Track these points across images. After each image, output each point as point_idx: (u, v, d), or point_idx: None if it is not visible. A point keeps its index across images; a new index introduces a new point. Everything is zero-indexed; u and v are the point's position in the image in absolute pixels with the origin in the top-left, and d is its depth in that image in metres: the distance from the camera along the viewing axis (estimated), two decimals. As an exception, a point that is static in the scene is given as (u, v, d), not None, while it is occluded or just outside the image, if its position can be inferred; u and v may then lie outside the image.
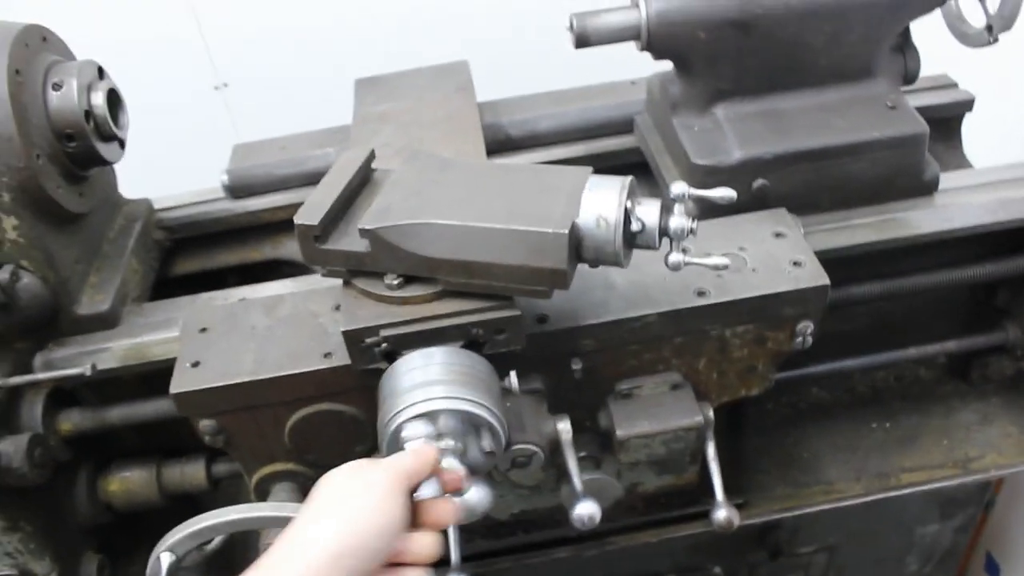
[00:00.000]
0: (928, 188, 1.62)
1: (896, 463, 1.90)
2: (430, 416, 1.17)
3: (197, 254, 1.92)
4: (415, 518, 1.03)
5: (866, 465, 1.90)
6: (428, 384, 1.19)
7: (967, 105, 1.94)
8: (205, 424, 1.39)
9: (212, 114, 2.81)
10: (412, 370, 1.23)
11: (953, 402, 1.98)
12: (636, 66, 1.71)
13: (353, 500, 0.96)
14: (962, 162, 1.96)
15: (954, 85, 1.96)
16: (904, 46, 1.61)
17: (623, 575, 2.05)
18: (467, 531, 1.66)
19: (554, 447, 1.39)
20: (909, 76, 1.63)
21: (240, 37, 2.72)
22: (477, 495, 1.22)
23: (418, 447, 1.09)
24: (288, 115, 2.44)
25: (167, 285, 1.87)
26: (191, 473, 1.68)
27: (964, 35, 1.60)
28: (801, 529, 2.05)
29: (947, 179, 1.65)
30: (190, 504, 1.78)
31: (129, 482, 1.67)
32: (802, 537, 2.09)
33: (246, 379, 1.33)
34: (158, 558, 1.27)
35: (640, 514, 1.77)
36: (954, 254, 1.67)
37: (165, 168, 2.38)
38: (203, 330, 1.43)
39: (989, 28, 1.52)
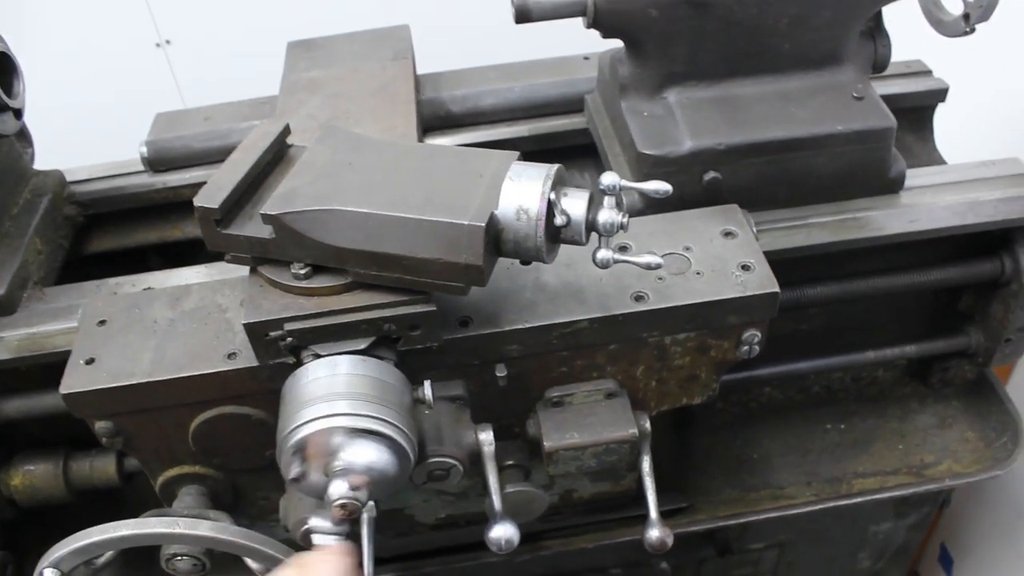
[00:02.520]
0: (893, 186, 1.51)
1: (849, 467, 1.83)
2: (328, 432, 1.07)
3: (114, 231, 1.79)
4: None
5: (818, 469, 1.83)
6: (331, 398, 1.09)
7: (940, 95, 1.83)
8: (101, 426, 1.28)
9: (155, 74, 2.65)
10: (315, 380, 1.12)
11: (911, 404, 1.90)
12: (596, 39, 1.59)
13: None
14: (933, 155, 1.85)
15: (928, 72, 1.85)
16: (875, 31, 1.49)
17: (565, 572, 1.97)
18: (393, 531, 1.58)
19: (475, 458, 1.29)
20: (879, 64, 1.51)
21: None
22: None
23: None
24: (237, 76, 2.32)
25: (82, 263, 1.75)
26: (101, 467, 1.57)
27: (939, 22, 1.48)
28: (751, 527, 1.97)
29: (914, 176, 1.54)
30: (104, 497, 1.68)
31: (32, 476, 1.56)
32: (752, 534, 2.02)
33: (142, 380, 1.23)
34: (41, 574, 1.18)
35: (579, 516, 1.69)
36: (918, 256, 1.58)
37: (106, 135, 2.26)
38: (101, 322, 1.32)
39: (966, 17, 1.40)
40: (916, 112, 1.83)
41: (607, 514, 1.70)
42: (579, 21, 1.42)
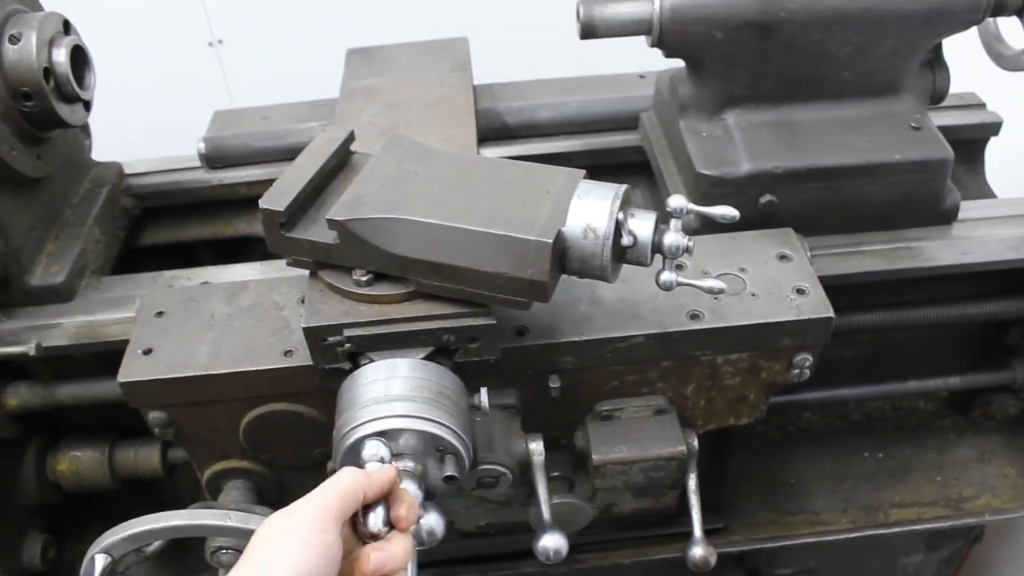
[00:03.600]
0: (947, 217, 1.51)
1: (886, 496, 1.81)
2: (389, 435, 1.08)
3: (168, 225, 1.82)
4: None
5: (854, 496, 1.82)
6: (389, 400, 1.10)
7: (993, 128, 1.82)
8: (155, 416, 1.30)
9: (205, 72, 2.69)
10: (374, 382, 1.14)
11: (950, 436, 1.89)
12: (647, 57, 1.60)
13: (279, 542, 0.88)
14: (983, 188, 1.85)
15: (981, 105, 1.85)
16: (934, 63, 1.49)
17: (594, 589, 1.97)
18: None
19: (524, 467, 1.30)
20: (937, 95, 1.52)
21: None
22: (430, 523, 1.13)
23: (354, 473, 0.98)
24: (286, 78, 2.34)
25: (134, 255, 1.77)
26: (145, 457, 1.59)
27: (1000, 56, 1.48)
28: (781, 552, 1.97)
29: (967, 208, 1.54)
30: (144, 487, 1.70)
31: (79, 463, 1.59)
32: (782, 559, 2.01)
33: (199, 373, 1.24)
34: (92, 559, 1.20)
35: (614, 531, 1.69)
36: (967, 287, 1.57)
37: (153, 129, 2.29)
38: (159, 314, 1.34)
39: (1028, 52, 1.41)
40: (968, 144, 1.83)
41: (640, 531, 1.70)
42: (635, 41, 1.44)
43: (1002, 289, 1.58)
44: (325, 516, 0.90)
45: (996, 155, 1.88)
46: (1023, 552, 2.44)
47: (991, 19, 1.46)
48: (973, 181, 1.85)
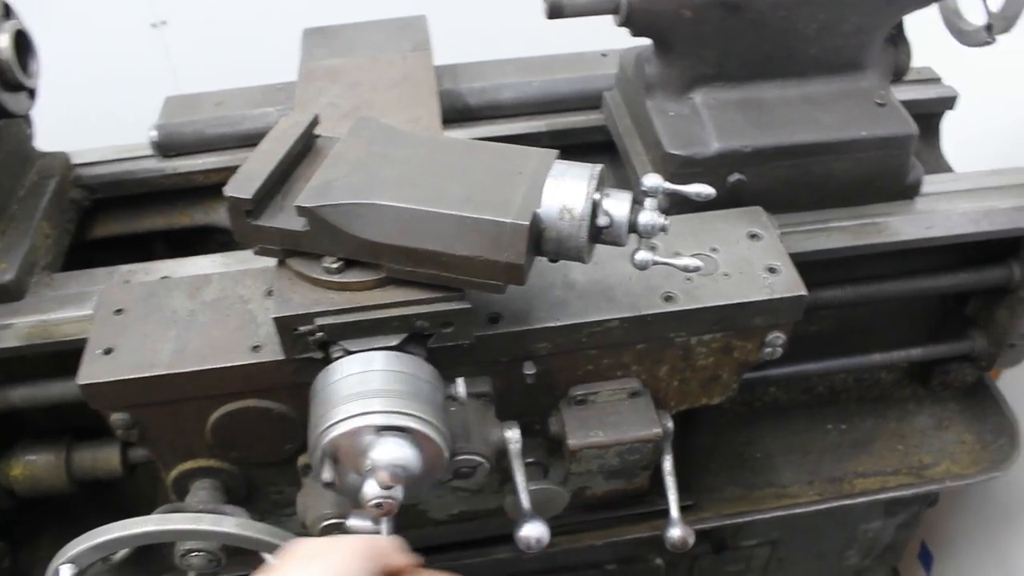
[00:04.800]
0: (910, 192, 1.52)
1: (850, 467, 1.84)
2: (364, 431, 1.06)
3: (120, 216, 1.75)
4: None
5: (819, 468, 1.84)
6: (365, 396, 1.08)
7: (949, 102, 1.84)
8: (117, 417, 1.25)
9: (149, 56, 2.59)
10: (348, 376, 1.11)
11: (909, 406, 1.92)
12: (609, 35, 1.58)
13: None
14: (940, 161, 1.87)
15: (937, 80, 1.87)
16: (897, 39, 1.50)
17: (562, 568, 1.97)
18: (403, 526, 1.56)
19: (501, 455, 1.29)
20: (899, 71, 1.53)
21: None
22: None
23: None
24: (233, 60, 2.28)
25: (85, 249, 1.70)
26: (104, 458, 1.54)
27: (961, 32, 1.49)
28: (746, 524, 2.00)
29: (928, 183, 1.55)
30: (101, 488, 1.65)
31: (34, 467, 1.52)
32: (747, 531, 2.04)
33: (164, 372, 1.20)
34: (56, 571, 1.16)
35: (584, 513, 1.69)
36: (929, 261, 1.59)
37: (95, 116, 2.21)
38: (118, 311, 1.29)
39: (988, 28, 1.42)
40: (924, 119, 1.84)
41: (611, 511, 1.71)
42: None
43: (963, 261, 1.60)
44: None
45: (951, 128, 1.90)
46: (975, 514, 2.52)
47: (950, -6, 1.47)
48: (930, 155, 1.86)
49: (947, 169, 1.86)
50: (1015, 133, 2.04)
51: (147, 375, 1.20)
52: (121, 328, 1.26)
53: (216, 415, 1.27)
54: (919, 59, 1.77)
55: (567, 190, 1.08)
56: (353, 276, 1.14)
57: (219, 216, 1.75)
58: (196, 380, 1.21)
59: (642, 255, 1.13)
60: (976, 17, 1.46)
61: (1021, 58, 1.79)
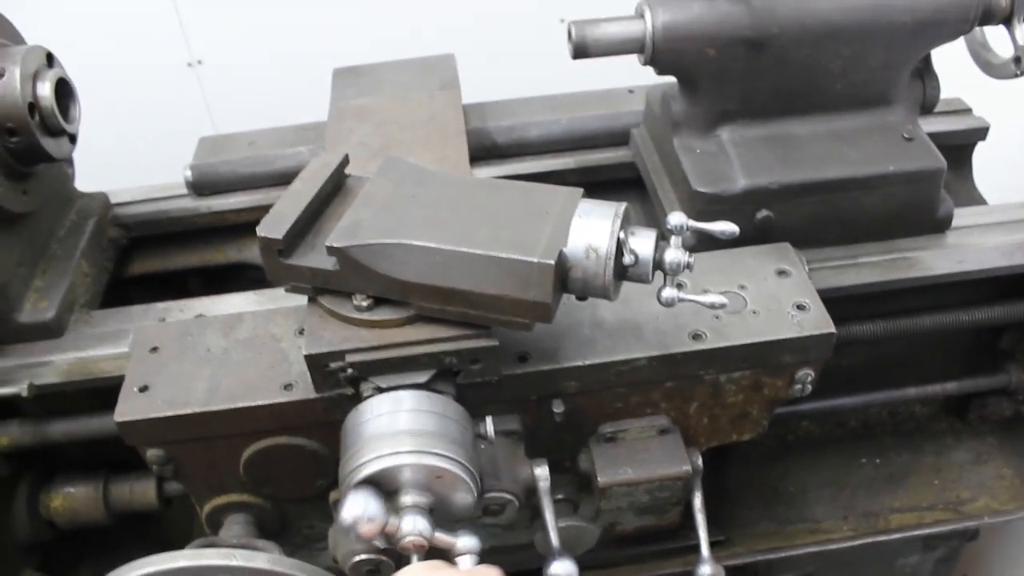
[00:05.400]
0: (941, 226, 1.52)
1: (885, 502, 1.82)
2: (397, 470, 1.07)
3: (156, 254, 1.79)
4: None
5: (854, 503, 1.82)
6: (395, 435, 1.09)
7: (981, 133, 1.83)
8: (153, 453, 1.28)
9: (184, 94, 2.65)
10: (379, 416, 1.12)
11: (946, 440, 1.90)
12: (635, 71, 1.59)
13: None
14: (972, 193, 1.86)
15: (968, 111, 1.86)
16: (924, 72, 1.50)
17: (594, 603, 1.96)
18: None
19: (530, 493, 1.29)
20: (927, 104, 1.52)
21: (218, 10, 2.57)
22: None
23: None
24: (267, 98, 2.32)
25: (122, 286, 1.74)
26: (141, 491, 1.57)
27: (988, 65, 1.49)
28: (781, 559, 1.97)
29: (960, 215, 1.55)
30: (139, 521, 1.68)
31: (73, 499, 1.56)
32: (780, 566, 2.00)
33: (198, 410, 1.22)
34: (92, 605, 1.17)
35: (615, 547, 1.68)
36: (962, 295, 1.58)
37: (131, 154, 2.26)
38: (154, 349, 1.31)
39: (1017, 60, 1.41)
40: (956, 150, 1.83)
41: (642, 546, 1.70)
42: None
43: (996, 294, 1.59)
44: None
45: (983, 160, 1.89)
46: (1017, 545, 2.47)
47: (978, 28, 1.46)
48: (962, 186, 1.85)
49: (980, 201, 1.85)
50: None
51: (182, 413, 1.22)
52: (157, 366, 1.28)
53: (249, 452, 1.28)
54: (950, 90, 1.77)
55: (592, 229, 1.09)
56: (383, 314, 1.16)
57: (252, 253, 1.78)
58: (229, 418, 1.23)
59: (668, 292, 1.13)
60: (1004, 50, 1.45)
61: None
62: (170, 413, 1.22)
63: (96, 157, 1.93)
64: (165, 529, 1.73)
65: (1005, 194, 1.76)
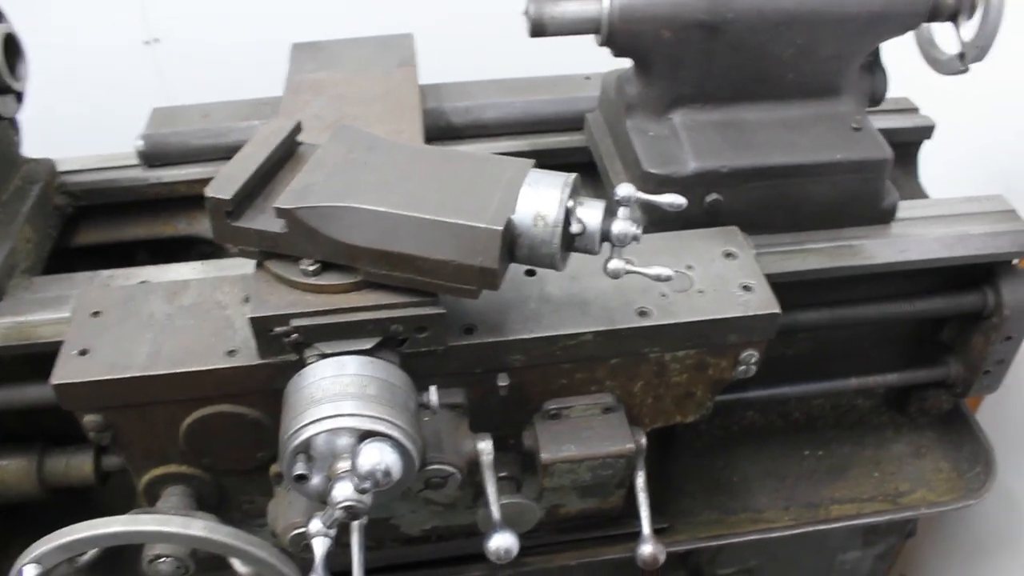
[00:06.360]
0: (885, 216, 1.54)
1: (826, 493, 1.85)
2: (336, 433, 1.06)
3: (103, 224, 1.75)
4: None
5: (795, 494, 1.85)
6: (337, 399, 1.08)
7: (927, 131, 1.87)
8: (90, 419, 1.25)
9: (139, 71, 2.61)
10: (321, 379, 1.11)
11: (887, 433, 1.93)
12: (594, 57, 1.60)
13: None
14: (917, 190, 1.90)
15: (915, 110, 1.90)
16: (873, 66, 1.53)
17: (538, 591, 1.96)
18: (375, 541, 1.56)
19: (473, 467, 1.29)
20: (875, 97, 1.55)
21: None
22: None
23: None
24: (224, 78, 2.29)
25: (67, 256, 1.71)
26: (77, 465, 1.53)
27: (935, 61, 1.52)
28: (723, 551, 1.99)
29: (904, 208, 1.58)
30: (75, 497, 1.64)
31: (5, 472, 1.51)
32: (724, 558, 2.03)
33: (138, 374, 1.20)
34: (20, 571, 1.15)
35: (558, 533, 1.68)
36: (904, 285, 1.61)
37: (82, 127, 2.22)
38: (96, 314, 1.29)
39: (961, 56, 1.45)
40: (902, 148, 1.87)
41: (585, 532, 1.70)
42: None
43: (937, 286, 1.62)
44: None
45: (929, 158, 1.93)
46: (952, 546, 2.52)
47: (926, 24, 1.50)
48: (908, 183, 1.89)
49: (923, 197, 1.88)
50: (991, 160, 2.07)
51: (122, 377, 1.20)
52: (98, 330, 1.26)
53: (190, 419, 1.27)
54: (900, 89, 1.81)
55: (541, 197, 1.10)
56: (329, 279, 1.16)
57: (202, 227, 1.76)
58: (170, 383, 1.21)
59: (615, 263, 1.14)
60: (950, 46, 1.49)
61: (994, 87, 1.82)
62: (109, 376, 1.20)
63: (48, 130, 1.90)
64: (102, 507, 1.69)
65: (949, 189, 1.80)
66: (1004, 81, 1.81)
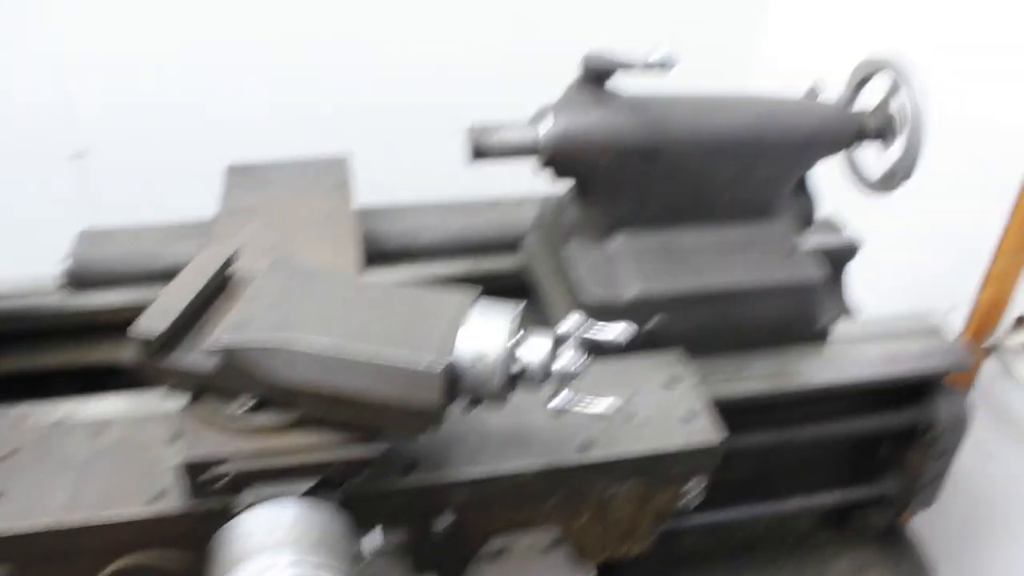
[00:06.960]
0: (821, 336, 1.57)
1: (770, 616, 1.82)
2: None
3: (20, 352, 1.67)
4: None
5: (740, 619, 1.81)
6: (276, 548, 1.02)
7: (852, 251, 1.93)
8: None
9: (65, 188, 2.55)
10: (253, 532, 1.05)
11: (828, 551, 1.92)
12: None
13: None
14: (843, 308, 1.94)
15: (840, 229, 1.95)
16: (803, 189, 1.58)
17: None
18: None
19: (414, 612, 1.23)
20: (805, 219, 1.59)
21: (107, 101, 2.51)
22: None
23: None
24: (154, 196, 2.25)
25: (-20, 385, 1.62)
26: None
27: (862, 181, 1.58)
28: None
29: (840, 327, 1.61)
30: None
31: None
32: None
33: (55, 521, 1.12)
34: None
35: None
36: (843, 405, 1.63)
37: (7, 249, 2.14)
38: (10, 454, 1.21)
39: (888, 178, 1.50)
40: (830, 266, 1.92)
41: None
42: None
43: (871, 404, 1.64)
44: None
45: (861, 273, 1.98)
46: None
47: (851, 148, 1.55)
48: (834, 302, 1.93)
49: (850, 313, 1.92)
50: (918, 276, 2.14)
51: (36, 525, 1.12)
52: (12, 471, 1.18)
53: (109, 570, 1.18)
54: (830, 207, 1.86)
55: (483, 336, 1.08)
56: (265, 419, 1.11)
57: (127, 354, 1.68)
58: (90, 532, 1.13)
59: (557, 401, 1.12)
60: (876, 169, 1.54)
61: (921, 205, 1.89)
62: (23, 524, 1.12)
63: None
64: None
65: (876, 306, 1.85)
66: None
